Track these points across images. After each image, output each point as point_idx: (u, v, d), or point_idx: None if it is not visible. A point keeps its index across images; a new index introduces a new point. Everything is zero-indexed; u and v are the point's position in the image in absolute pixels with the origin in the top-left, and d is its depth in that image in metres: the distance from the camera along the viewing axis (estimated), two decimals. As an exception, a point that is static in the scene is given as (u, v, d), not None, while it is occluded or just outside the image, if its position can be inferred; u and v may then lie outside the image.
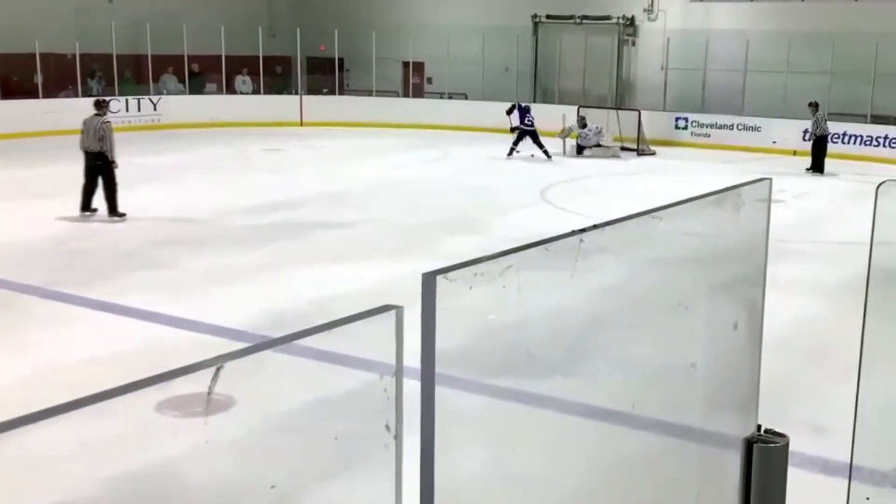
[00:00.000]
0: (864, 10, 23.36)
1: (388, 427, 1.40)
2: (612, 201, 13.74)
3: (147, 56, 26.01)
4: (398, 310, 1.36)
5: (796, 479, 2.55)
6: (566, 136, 22.33)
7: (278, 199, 15.14)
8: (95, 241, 11.91)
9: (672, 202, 2.05)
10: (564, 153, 22.14)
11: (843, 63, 22.60)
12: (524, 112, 21.68)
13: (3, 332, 8.28)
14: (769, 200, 2.41)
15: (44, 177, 17.14)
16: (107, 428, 1.09)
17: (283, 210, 14.33)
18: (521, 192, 16.39)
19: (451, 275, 1.36)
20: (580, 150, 22.01)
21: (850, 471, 2.62)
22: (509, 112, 21.67)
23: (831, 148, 20.12)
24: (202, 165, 19.36)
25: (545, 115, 25.37)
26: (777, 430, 2.41)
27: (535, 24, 28.32)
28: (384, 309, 1.36)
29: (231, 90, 27.87)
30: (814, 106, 20.12)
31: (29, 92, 23.87)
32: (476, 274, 1.43)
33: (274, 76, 29.13)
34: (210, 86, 28.00)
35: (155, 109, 25.52)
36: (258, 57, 27.57)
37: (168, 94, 26.40)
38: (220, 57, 26.94)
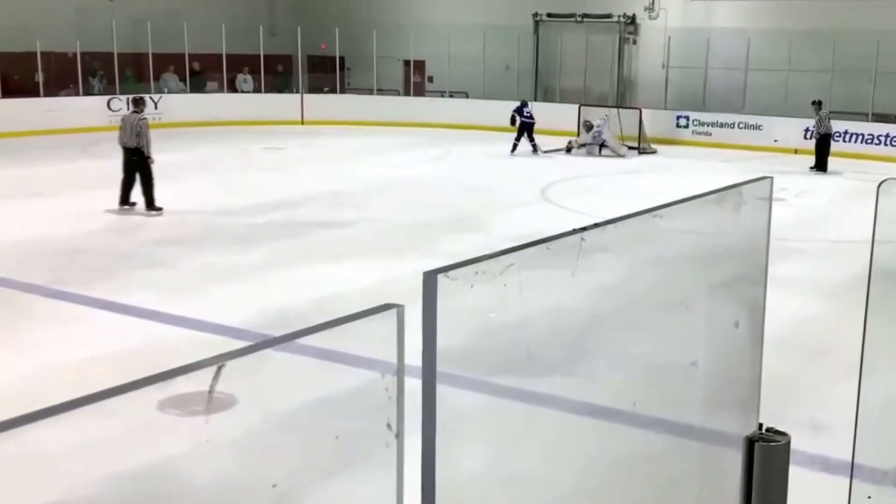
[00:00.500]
0: (864, 7, 23.33)
1: (389, 426, 1.40)
2: (613, 200, 13.73)
3: (148, 54, 26.03)
4: (399, 308, 1.36)
5: (797, 477, 2.55)
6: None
7: (279, 197, 15.15)
8: (97, 240, 11.91)
9: (673, 201, 2.05)
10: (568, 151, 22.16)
11: (845, 61, 22.59)
12: (522, 106, 22.01)
13: (4, 330, 8.28)
14: (770, 199, 2.41)
15: (45, 176, 17.13)
16: (108, 427, 1.09)
17: (284, 209, 14.33)
18: (521, 191, 16.39)
19: (452, 273, 1.36)
20: (600, 149, 21.93)
21: (852, 469, 2.62)
22: (513, 122, 21.94)
23: (833, 146, 20.11)
24: (203, 164, 19.36)
25: (546, 114, 25.44)
26: (778, 428, 2.41)
27: (536, 23, 28.31)
28: (385, 308, 1.36)
29: (232, 89, 27.88)
30: (817, 104, 20.12)
31: (30, 91, 23.88)
32: (477, 272, 1.43)
33: (275, 75, 29.12)
34: (211, 84, 28.01)
35: (156, 108, 25.48)
36: (259, 55, 27.57)
37: (169, 92, 26.40)
38: (221, 55, 26.94)
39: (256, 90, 28.05)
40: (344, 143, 23.10)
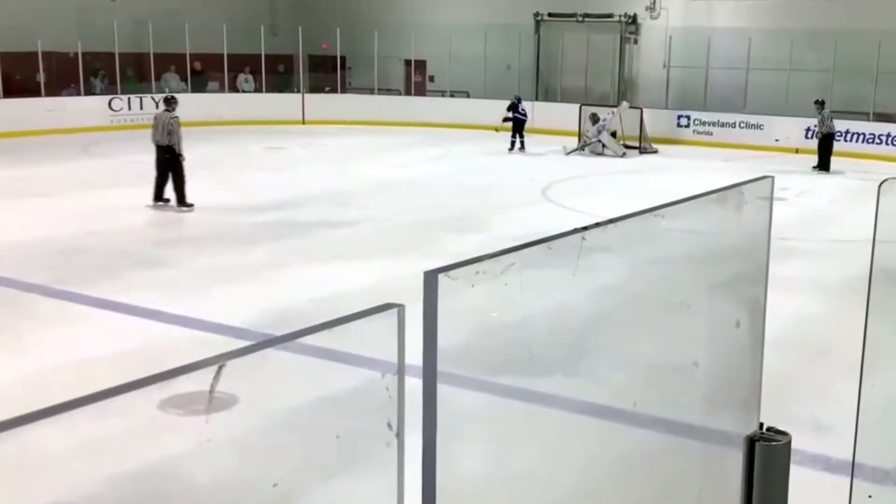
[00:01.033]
0: (865, 7, 23.32)
1: (389, 425, 1.40)
2: (614, 199, 13.73)
3: (149, 54, 26.03)
4: (400, 308, 1.36)
5: (798, 476, 2.55)
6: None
7: (280, 197, 15.15)
8: (98, 240, 11.91)
9: (674, 200, 2.05)
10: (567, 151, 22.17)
11: (846, 61, 22.57)
12: (517, 102, 22.26)
13: (6, 330, 8.29)
14: (771, 198, 2.41)
15: (46, 175, 17.13)
16: (109, 426, 1.09)
17: (286, 208, 14.33)
18: (522, 191, 16.38)
19: (452, 273, 1.36)
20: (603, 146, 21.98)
21: (853, 468, 2.62)
22: (506, 119, 22.17)
23: (835, 146, 20.10)
24: (204, 164, 19.31)
25: (547, 114, 25.46)
26: (779, 427, 2.41)
27: (537, 22, 28.30)
28: (386, 307, 1.36)
29: (233, 88, 27.88)
30: (819, 104, 20.12)
31: (31, 90, 23.88)
32: (478, 272, 1.43)
33: (276, 74, 29.12)
34: (212, 84, 28.01)
35: (157, 108, 25.49)
36: (260, 55, 27.56)
37: (170, 92, 26.37)
38: (222, 55, 26.94)
39: (257, 90, 28.05)
40: (345, 143, 23.11)
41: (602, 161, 21.02)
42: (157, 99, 25.47)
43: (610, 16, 27.14)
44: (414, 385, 1.35)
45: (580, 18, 27.49)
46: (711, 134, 24.16)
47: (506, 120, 22.12)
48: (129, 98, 25.20)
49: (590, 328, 1.91)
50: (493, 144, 22.21)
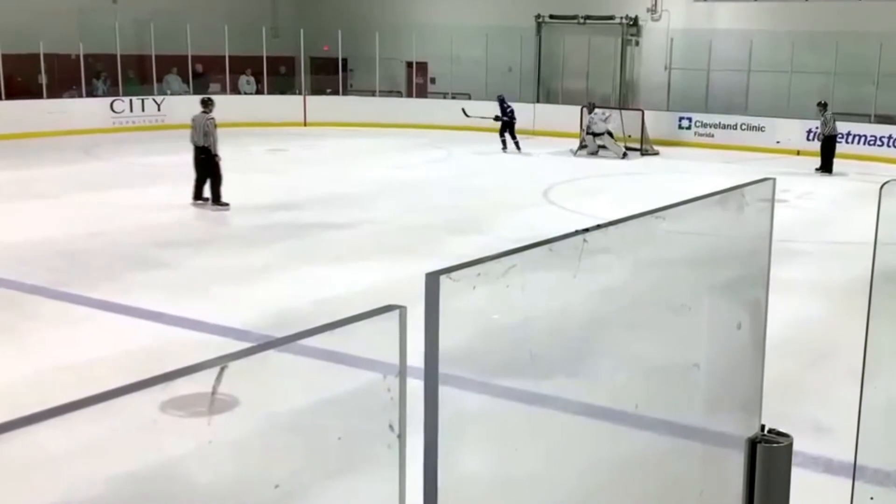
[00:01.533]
0: (867, 9, 23.33)
1: (391, 427, 1.40)
2: (616, 201, 13.73)
3: (151, 56, 26.05)
4: (401, 310, 1.36)
5: (800, 479, 2.55)
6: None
7: (282, 199, 15.16)
8: (100, 241, 11.92)
9: (675, 202, 2.05)
10: (574, 153, 22.19)
11: (847, 63, 22.57)
12: (502, 102, 22.57)
13: (7, 331, 8.30)
14: (773, 200, 2.40)
15: (47, 177, 17.15)
16: (110, 428, 1.10)
17: (287, 210, 14.34)
18: (524, 192, 16.39)
19: (454, 275, 1.36)
20: (593, 135, 22.05)
21: (854, 471, 2.62)
22: (497, 118, 22.45)
23: (837, 148, 20.10)
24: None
25: (549, 116, 25.47)
26: (780, 430, 2.40)
27: (539, 25, 28.30)
28: (387, 309, 1.36)
29: (235, 90, 27.90)
30: (822, 106, 20.12)
31: (33, 92, 23.91)
32: (479, 274, 1.43)
33: (277, 76, 29.15)
34: (214, 86, 28.01)
35: (159, 110, 25.54)
36: (262, 57, 27.57)
37: (172, 94, 26.41)
38: (223, 57, 26.97)
39: (259, 92, 28.07)
40: (346, 145, 23.12)
41: (604, 163, 21.02)
42: (158, 101, 25.58)
43: (611, 18, 27.14)
44: (415, 387, 1.35)
45: (581, 20, 27.49)
46: (713, 136, 24.16)
47: (497, 119, 22.35)
48: (130, 100, 25.21)
49: (591, 330, 1.91)
50: (495, 146, 22.23)
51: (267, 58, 27.76)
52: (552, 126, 24.79)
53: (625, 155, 21.64)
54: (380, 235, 12.75)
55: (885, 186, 2.37)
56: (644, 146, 22.49)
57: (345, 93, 28.81)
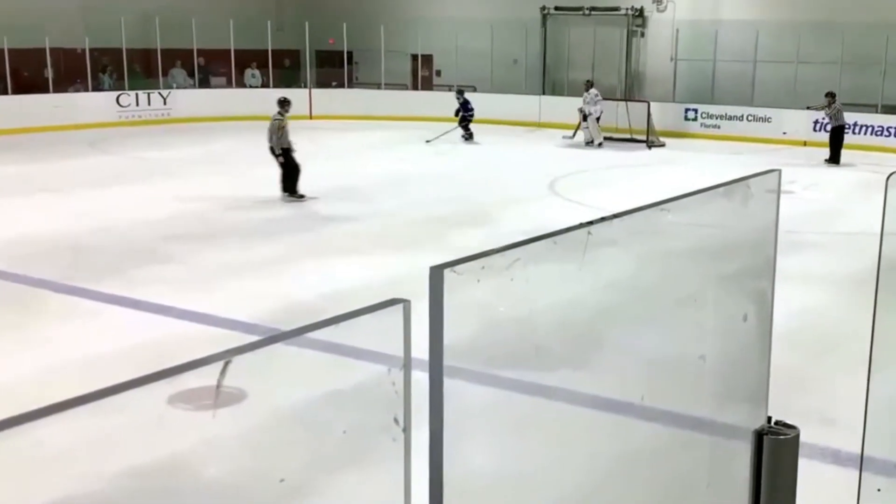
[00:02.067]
0: (874, -1, 23.25)
1: (396, 420, 1.40)
2: (621, 193, 13.71)
3: (156, 50, 26.07)
4: (406, 303, 1.36)
5: (807, 470, 2.54)
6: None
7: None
8: (107, 236, 11.94)
9: (681, 194, 2.04)
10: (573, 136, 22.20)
11: (854, 53, 22.49)
12: (459, 93, 23.14)
13: (14, 326, 8.32)
14: (779, 192, 2.40)
15: (53, 171, 17.18)
16: (116, 422, 1.10)
17: (293, 204, 14.36)
18: (529, 185, 16.37)
19: (458, 268, 1.36)
20: (585, 118, 22.16)
21: (861, 461, 2.62)
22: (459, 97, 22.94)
23: (844, 138, 20.04)
24: (211, 159, 19.41)
25: (555, 108, 25.43)
26: (787, 421, 2.40)
27: (544, 16, 28.23)
28: (392, 302, 1.36)
29: (240, 84, 27.90)
30: (830, 96, 20.05)
31: (39, 87, 23.95)
32: (484, 267, 1.43)
33: (283, 70, 29.13)
34: (219, 79, 28.04)
35: (164, 103, 25.58)
36: (267, 50, 27.57)
37: (177, 87, 26.45)
38: (229, 51, 26.97)
39: (264, 85, 28.05)
40: (352, 138, 23.10)
41: (609, 155, 20.99)
42: (164, 95, 25.61)
43: (617, 9, 27.07)
44: (420, 380, 1.35)
45: (587, 12, 27.42)
46: (719, 127, 24.09)
47: (457, 112, 22.67)
48: (136, 94, 25.24)
49: (596, 322, 1.91)
50: (500, 139, 22.21)
51: (272, 51, 27.76)
52: (558, 118, 24.73)
53: (600, 145, 21.67)
54: (385, 228, 12.75)
55: (892, 177, 2.36)
56: (650, 138, 22.44)
57: (350, 86, 28.80)
